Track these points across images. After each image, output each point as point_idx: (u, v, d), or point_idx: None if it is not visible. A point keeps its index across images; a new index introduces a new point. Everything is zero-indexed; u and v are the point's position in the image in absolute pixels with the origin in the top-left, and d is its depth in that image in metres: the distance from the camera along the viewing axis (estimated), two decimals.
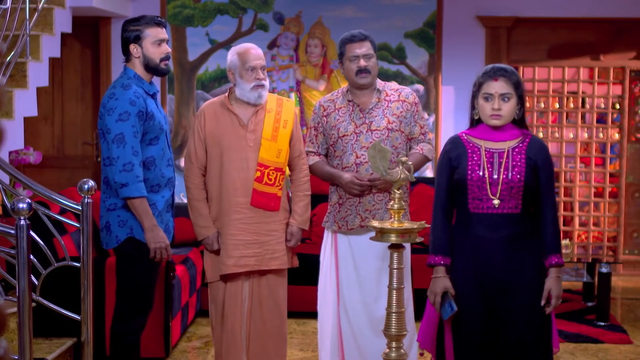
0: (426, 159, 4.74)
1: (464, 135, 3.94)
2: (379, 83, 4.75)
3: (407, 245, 4.67)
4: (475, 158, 3.84)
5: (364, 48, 4.65)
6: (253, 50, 4.65)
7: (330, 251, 4.78)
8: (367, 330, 4.65)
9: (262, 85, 4.62)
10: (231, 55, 4.67)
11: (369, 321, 4.64)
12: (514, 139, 3.86)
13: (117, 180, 4.25)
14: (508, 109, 3.82)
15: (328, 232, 4.82)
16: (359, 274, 4.69)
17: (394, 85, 4.83)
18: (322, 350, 4.81)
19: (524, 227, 3.83)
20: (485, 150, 3.85)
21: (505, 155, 3.82)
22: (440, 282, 3.90)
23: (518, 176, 3.77)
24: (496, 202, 3.79)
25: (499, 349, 3.83)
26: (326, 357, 4.76)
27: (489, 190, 3.79)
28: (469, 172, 3.82)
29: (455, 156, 3.90)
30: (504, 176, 3.78)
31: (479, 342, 3.84)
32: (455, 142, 3.95)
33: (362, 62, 4.63)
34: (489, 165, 3.81)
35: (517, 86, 3.83)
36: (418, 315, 4.86)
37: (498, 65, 3.90)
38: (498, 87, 3.82)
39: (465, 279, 3.86)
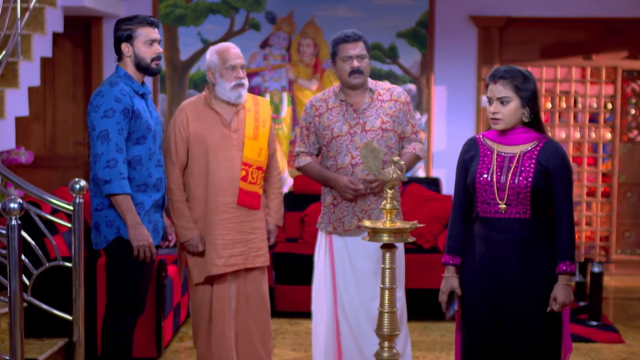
0: (418, 158, 4.74)
1: (480, 137, 3.91)
2: (371, 82, 4.73)
3: (401, 245, 4.66)
4: (486, 161, 3.81)
5: (358, 49, 4.62)
6: (233, 49, 4.66)
7: (325, 252, 4.75)
8: (366, 328, 4.62)
9: (242, 85, 4.64)
10: (210, 54, 4.67)
11: (368, 320, 4.62)
12: (527, 142, 3.79)
13: (101, 177, 4.26)
14: (506, 112, 3.74)
15: (322, 233, 4.79)
16: (356, 274, 4.66)
17: (385, 84, 4.81)
18: (315, 350, 4.80)
19: (534, 231, 3.77)
20: (497, 154, 3.81)
21: (516, 160, 3.76)
22: (448, 281, 3.91)
23: (525, 181, 3.71)
24: (502, 206, 3.75)
25: (505, 351, 3.81)
26: (319, 357, 4.75)
27: (496, 195, 3.76)
28: (478, 175, 3.80)
29: (468, 158, 3.88)
30: (511, 181, 3.73)
31: (485, 343, 3.83)
32: (470, 144, 3.92)
33: (356, 63, 4.60)
34: (498, 169, 3.77)
35: (519, 89, 3.72)
36: (412, 315, 4.86)
37: (502, 68, 3.81)
38: (496, 90, 3.75)
39: (473, 280, 3.85)
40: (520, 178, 3.72)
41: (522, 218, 3.76)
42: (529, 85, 3.75)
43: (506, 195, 3.74)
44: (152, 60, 4.45)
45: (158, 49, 4.47)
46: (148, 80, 4.65)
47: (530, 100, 3.76)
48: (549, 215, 3.83)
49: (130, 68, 4.45)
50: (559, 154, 3.77)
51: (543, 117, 8.36)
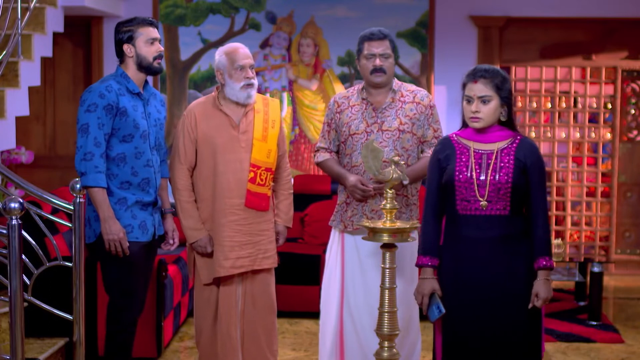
0: None
1: (454, 136, 3.93)
2: (396, 83, 4.71)
3: (414, 244, 4.65)
4: (464, 159, 3.83)
5: (382, 47, 4.60)
6: (241, 49, 4.65)
7: (337, 250, 4.75)
8: (369, 330, 4.62)
9: (252, 85, 4.62)
10: (219, 55, 4.67)
11: (371, 320, 4.62)
12: (503, 140, 3.83)
13: (78, 169, 4.37)
14: (487, 111, 3.78)
15: (335, 231, 4.79)
16: (364, 274, 4.66)
17: (410, 86, 4.78)
18: (322, 348, 4.80)
19: (513, 228, 3.80)
20: (474, 152, 3.83)
21: (494, 157, 3.79)
22: (428, 283, 3.90)
23: (505, 177, 3.74)
24: (483, 203, 3.77)
25: (487, 350, 3.82)
26: (325, 355, 4.75)
27: (476, 192, 3.78)
28: (457, 173, 3.81)
29: (444, 157, 3.89)
30: (492, 177, 3.76)
31: (467, 343, 3.84)
32: (444, 143, 3.93)
33: (378, 62, 4.58)
34: (477, 167, 3.79)
35: (499, 88, 3.78)
36: (423, 315, 4.86)
37: (481, 67, 3.85)
38: (477, 89, 3.79)
39: (454, 280, 3.86)
40: (501, 174, 3.76)
41: (502, 215, 3.79)
42: (507, 85, 3.83)
43: (487, 192, 3.76)
44: (154, 59, 4.50)
45: (159, 47, 4.52)
46: (148, 79, 4.67)
47: (508, 99, 3.82)
48: (523, 212, 3.86)
49: (131, 69, 4.49)
50: (534, 151, 3.84)
51: (543, 117, 8.40)
